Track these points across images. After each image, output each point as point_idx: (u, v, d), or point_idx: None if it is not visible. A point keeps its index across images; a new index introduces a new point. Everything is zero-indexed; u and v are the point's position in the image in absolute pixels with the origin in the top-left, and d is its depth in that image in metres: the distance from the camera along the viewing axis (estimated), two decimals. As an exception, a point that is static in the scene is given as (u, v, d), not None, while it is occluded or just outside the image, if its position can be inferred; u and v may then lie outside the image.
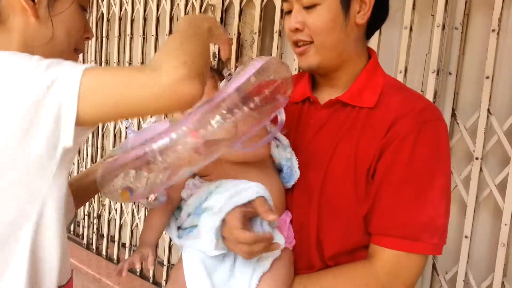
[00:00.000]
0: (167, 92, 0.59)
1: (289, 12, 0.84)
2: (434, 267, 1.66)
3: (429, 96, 1.59)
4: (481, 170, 1.52)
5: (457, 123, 1.58)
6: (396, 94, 0.83)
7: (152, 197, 0.77)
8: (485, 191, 1.52)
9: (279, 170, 0.85)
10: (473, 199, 1.53)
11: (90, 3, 0.80)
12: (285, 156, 0.83)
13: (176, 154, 0.62)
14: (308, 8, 0.80)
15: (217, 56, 2.21)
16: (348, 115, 0.84)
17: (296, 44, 0.83)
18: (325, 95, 0.90)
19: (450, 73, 1.60)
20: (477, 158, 1.52)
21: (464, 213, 1.55)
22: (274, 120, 0.73)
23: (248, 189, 0.73)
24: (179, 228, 0.86)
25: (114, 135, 2.81)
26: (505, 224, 1.47)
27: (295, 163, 0.84)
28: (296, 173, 0.83)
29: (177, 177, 0.65)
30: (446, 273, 1.62)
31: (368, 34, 0.89)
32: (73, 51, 0.79)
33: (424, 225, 0.74)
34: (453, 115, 1.60)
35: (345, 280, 0.77)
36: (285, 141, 0.86)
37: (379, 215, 0.77)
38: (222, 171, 0.79)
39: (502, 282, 1.49)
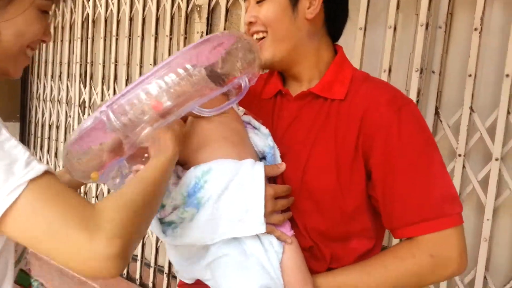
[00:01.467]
0: (90, 262, 0.55)
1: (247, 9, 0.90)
2: (419, 263, 1.68)
3: (413, 94, 1.61)
4: (464, 166, 1.55)
5: (440, 121, 1.61)
6: (362, 85, 0.86)
7: (117, 180, 0.76)
8: (468, 187, 1.55)
9: (262, 158, 0.86)
10: (456, 195, 1.56)
11: (53, 7, 0.76)
12: (268, 143, 0.84)
13: (132, 111, 0.63)
14: (259, 2, 0.86)
15: None
16: (320, 107, 0.87)
17: (252, 36, 0.88)
18: (295, 89, 0.93)
19: (433, 72, 1.63)
20: (460, 155, 1.55)
21: (448, 209, 1.57)
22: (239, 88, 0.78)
23: (244, 166, 0.75)
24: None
25: None
26: (487, 219, 1.50)
27: (278, 153, 0.85)
28: (279, 163, 0.84)
29: (140, 140, 0.67)
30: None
31: (330, 32, 0.93)
32: (24, 54, 0.73)
33: (442, 199, 0.77)
34: (437, 113, 1.63)
35: (394, 262, 0.78)
36: (265, 130, 0.87)
37: (398, 208, 0.78)
38: (200, 155, 0.78)
39: (485, 276, 1.52)
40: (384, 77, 1.67)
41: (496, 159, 1.48)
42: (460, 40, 1.63)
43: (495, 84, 1.52)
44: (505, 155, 1.49)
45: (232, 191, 0.74)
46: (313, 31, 0.89)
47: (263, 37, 0.86)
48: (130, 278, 2.55)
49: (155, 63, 2.46)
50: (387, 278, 0.78)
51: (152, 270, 2.42)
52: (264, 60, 0.86)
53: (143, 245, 2.52)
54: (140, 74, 2.53)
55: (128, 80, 2.63)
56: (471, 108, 1.53)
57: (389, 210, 0.80)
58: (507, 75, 1.45)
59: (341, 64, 0.91)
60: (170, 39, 2.39)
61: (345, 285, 0.79)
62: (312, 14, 0.86)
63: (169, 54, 2.38)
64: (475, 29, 1.50)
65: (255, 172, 0.75)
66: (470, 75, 1.53)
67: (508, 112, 1.46)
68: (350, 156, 0.81)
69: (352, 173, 0.81)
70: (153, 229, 0.80)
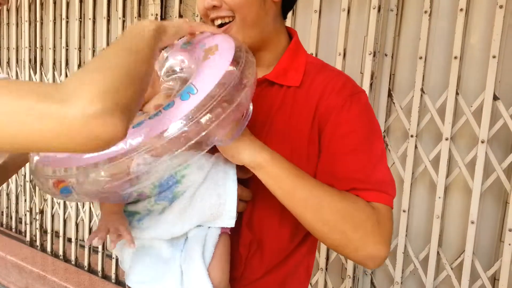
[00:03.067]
0: (73, 131, 0.45)
1: None
2: (376, 242, 1.75)
3: (367, 77, 1.65)
4: (416, 147, 1.61)
5: (393, 103, 1.65)
6: (318, 73, 0.86)
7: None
8: (420, 167, 1.61)
9: None
10: (409, 175, 1.62)
11: None
12: None
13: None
14: None
15: None
16: (276, 94, 0.86)
17: (213, 22, 0.82)
18: None
19: (386, 55, 1.67)
20: (412, 136, 1.61)
21: (402, 189, 1.63)
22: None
23: (218, 161, 0.76)
24: None
25: None
26: (439, 197, 1.57)
27: None
28: None
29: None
30: (388, 246, 1.71)
31: (284, 13, 0.91)
32: None
33: (383, 178, 0.78)
34: (390, 95, 1.67)
35: (342, 197, 0.74)
36: None
37: (342, 175, 0.78)
38: None
39: (438, 252, 1.60)
40: (339, 60, 1.69)
41: (446, 139, 1.54)
42: (412, 23, 1.66)
43: (444, 66, 1.57)
44: (455, 135, 1.55)
45: (206, 185, 0.74)
46: (276, 13, 0.87)
47: (228, 22, 0.81)
48: (91, 270, 2.52)
49: (108, 46, 2.37)
50: (335, 197, 0.74)
51: (114, 261, 2.39)
52: None
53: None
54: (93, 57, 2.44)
55: (80, 65, 2.53)
56: (422, 90, 1.58)
57: (328, 179, 0.78)
58: (455, 57, 1.50)
59: (296, 50, 0.90)
60: (123, 21, 2.31)
61: (285, 174, 0.74)
62: None
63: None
64: (425, 11, 1.54)
65: (227, 168, 0.77)
66: (420, 58, 1.57)
67: (457, 93, 1.52)
68: (304, 141, 0.82)
69: (308, 158, 0.82)
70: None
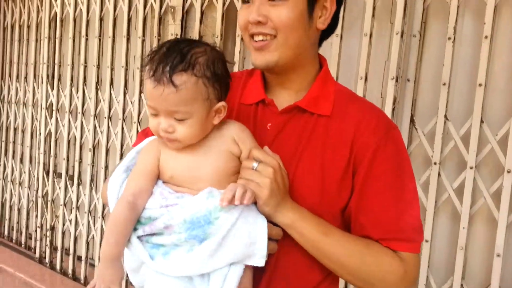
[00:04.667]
0: None
1: (247, 2, 0.82)
2: (395, 271, 1.70)
3: (389, 102, 1.63)
4: (439, 174, 1.57)
5: (416, 129, 1.63)
6: (350, 104, 0.87)
7: None
8: (443, 195, 1.58)
9: None
10: (432, 204, 1.58)
11: None
12: None
13: None
14: (274, 1, 0.79)
15: None
16: (306, 122, 0.86)
17: (252, 37, 0.82)
18: (280, 98, 0.89)
19: (408, 80, 1.65)
20: (435, 163, 1.57)
21: (424, 218, 1.59)
22: None
23: None
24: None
25: (68, 141, 2.71)
26: (463, 228, 1.53)
27: None
28: None
29: None
30: (407, 277, 1.66)
31: (320, 41, 0.92)
32: None
33: (413, 225, 0.82)
34: (412, 121, 1.64)
35: (366, 251, 0.80)
36: None
37: (371, 221, 0.81)
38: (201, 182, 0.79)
39: (461, 285, 1.54)
40: (360, 84, 1.67)
41: (471, 168, 1.51)
42: (434, 49, 1.65)
43: (469, 93, 1.55)
44: (479, 163, 1.52)
45: (238, 225, 0.75)
46: (316, 40, 0.88)
47: (267, 40, 0.81)
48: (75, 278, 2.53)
49: (126, 65, 2.40)
50: (359, 253, 0.80)
51: (124, 282, 2.36)
52: (266, 62, 0.82)
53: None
54: (111, 76, 2.46)
55: (98, 83, 2.56)
56: (445, 116, 1.55)
57: (361, 221, 0.82)
58: (480, 85, 1.48)
59: (326, 78, 0.90)
60: (143, 40, 2.33)
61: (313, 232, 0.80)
62: (324, 25, 0.85)
63: (142, 55, 2.33)
64: (449, 38, 1.52)
65: (257, 210, 0.79)
66: (444, 84, 1.55)
67: (482, 121, 1.49)
68: (338, 175, 0.82)
69: (339, 192, 0.83)
70: (136, 251, 0.77)
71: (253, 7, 0.80)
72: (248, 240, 0.75)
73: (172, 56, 0.74)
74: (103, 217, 2.49)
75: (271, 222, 0.79)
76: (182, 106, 0.75)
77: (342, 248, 0.79)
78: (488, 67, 1.48)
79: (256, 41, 0.81)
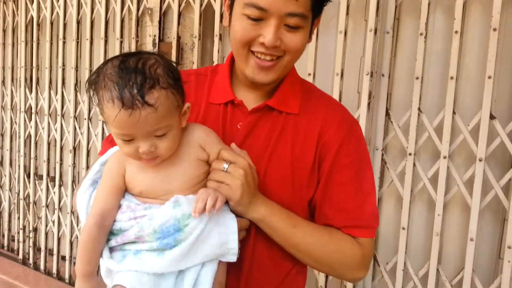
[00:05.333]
0: None
1: (255, 19, 0.74)
2: (375, 259, 1.68)
3: (364, 97, 1.60)
4: (414, 165, 1.56)
5: (391, 122, 1.61)
6: (316, 101, 0.88)
7: None
8: (419, 185, 1.56)
9: None
10: (408, 192, 1.57)
11: None
12: None
13: None
14: (291, 28, 0.75)
15: (157, 49, 2.08)
16: (276, 120, 0.85)
17: (253, 53, 0.77)
18: (249, 97, 0.87)
19: (383, 75, 1.63)
20: (410, 154, 1.56)
21: (401, 206, 1.58)
22: None
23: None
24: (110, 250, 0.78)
25: (48, 143, 2.58)
26: (438, 215, 1.52)
27: None
28: None
29: None
30: (387, 263, 1.65)
31: None
32: None
33: (373, 212, 0.86)
34: (387, 114, 1.62)
35: (330, 239, 0.83)
36: None
37: (335, 211, 0.84)
38: (152, 183, 0.76)
39: (437, 269, 1.54)
40: (336, 80, 1.64)
41: (444, 157, 1.50)
42: (407, 44, 1.63)
43: (441, 86, 1.54)
44: (452, 153, 1.51)
45: (208, 230, 0.74)
46: None
47: (273, 60, 0.77)
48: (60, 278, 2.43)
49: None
50: (323, 242, 0.83)
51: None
52: (268, 81, 0.80)
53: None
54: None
55: (76, 85, 2.44)
56: (419, 109, 1.54)
57: (325, 211, 0.85)
58: (452, 78, 1.47)
59: (293, 77, 0.89)
60: (121, 42, 2.24)
61: (281, 222, 0.81)
62: (311, 40, 0.84)
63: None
64: (421, 33, 1.51)
65: (225, 206, 0.77)
66: (417, 78, 1.53)
67: (454, 112, 1.48)
68: (307, 170, 0.84)
69: (308, 186, 0.84)
70: (106, 260, 0.75)
71: (269, 29, 0.74)
72: (219, 241, 0.74)
73: (131, 76, 0.67)
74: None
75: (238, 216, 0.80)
76: (162, 122, 0.70)
77: (309, 238, 0.80)
78: (459, 61, 1.47)
79: (261, 59, 0.77)
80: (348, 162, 0.84)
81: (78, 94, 2.43)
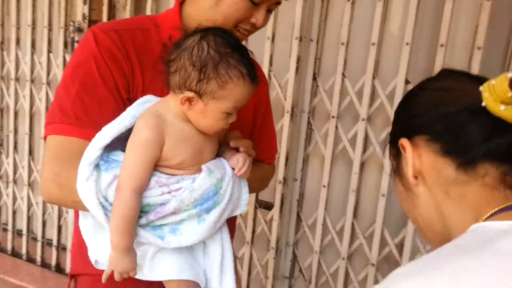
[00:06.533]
0: None
1: (255, 4, 0.78)
2: (298, 215, 1.69)
3: (293, 61, 1.57)
4: (336, 127, 1.56)
5: (318, 86, 1.58)
6: None
7: None
8: (340, 145, 1.57)
9: None
10: (330, 153, 1.57)
11: None
12: None
13: None
14: (269, 11, 0.81)
15: (87, 17, 1.90)
16: None
17: (236, 27, 0.80)
18: None
19: (311, 40, 1.59)
20: (333, 117, 1.55)
21: (323, 166, 1.58)
22: None
23: (226, 163, 0.78)
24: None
25: (15, 112, 2.23)
26: (355, 173, 1.54)
27: None
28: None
29: None
30: (309, 218, 1.66)
31: None
32: None
33: (276, 145, 1.08)
34: (314, 78, 1.60)
35: (261, 171, 0.97)
36: None
37: (261, 149, 0.95)
38: (187, 154, 0.74)
39: (352, 223, 1.57)
40: (267, 44, 1.59)
41: (363, 120, 1.51)
42: (336, 11, 1.60)
43: (365, 52, 1.52)
44: (371, 115, 1.52)
45: (233, 188, 0.76)
46: None
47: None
48: (44, 264, 2.18)
49: (33, 24, 2.07)
50: (261, 177, 0.99)
51: (40, 244, 2.12)
52: None
53: (28, 219, 2.19)
54: (17, 35, 2.11)
55: (2, 43, 2.18)
56: (343, 74, 1.53)
57: (257, 148, 0.90)
58: (373, 44, 1.46)
59: None
60: (51, -3, 2.01)
61: None
62: None
63: (50, 14, 2.02)
64: (348, 0, 1.47)
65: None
66: (342, 44, 1.51)
67: (373, 77, 1.48)
68: (250, 122, 0.96)
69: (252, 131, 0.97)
70: (145, 239, 0.72)
71: (262, 13, 0.79)
72: (238, 195, 0.78)
73: (247, 56, 0.72)
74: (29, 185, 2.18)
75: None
76: None
77: (255, 176, 0.85)
78: (382, 27, 1.46)
79: (243, 34, 0.82)
80: (265, 109, 0.99)
81: (4, 53, 2.19)
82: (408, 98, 0.58)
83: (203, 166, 0.73)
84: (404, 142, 0.54)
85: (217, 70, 0.68)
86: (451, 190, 0.51)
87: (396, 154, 0.58)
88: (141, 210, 0.71)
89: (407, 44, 1.42)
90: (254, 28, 0.81)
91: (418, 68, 1.49)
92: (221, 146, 0.79)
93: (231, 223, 0.87)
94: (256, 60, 0.79)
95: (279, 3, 0.81)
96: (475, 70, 1.35)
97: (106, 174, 0.71)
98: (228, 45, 0.69)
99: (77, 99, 0.74)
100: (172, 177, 0.72)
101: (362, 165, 1.55)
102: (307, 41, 1.59)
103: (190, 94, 0.69)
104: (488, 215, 0.48)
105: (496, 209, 0.48)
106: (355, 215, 1.58)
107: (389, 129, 1.45)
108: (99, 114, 0.74)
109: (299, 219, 1.69)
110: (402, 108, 0.59)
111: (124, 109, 0.74)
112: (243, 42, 0.78)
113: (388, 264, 1.58)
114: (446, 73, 0.58)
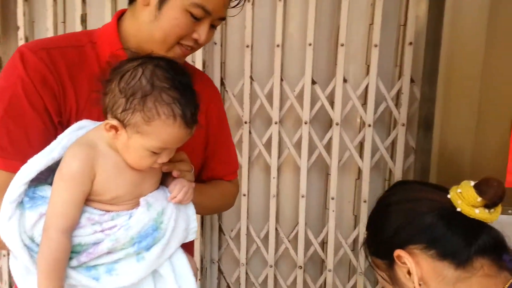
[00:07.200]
0: None
1: (197, 19, 0.73)
2: (220, 228, 1.57)
3: (198, 66, 1.44)
4: (250, 132, 1.48)
5: (226, 91, 1.49)
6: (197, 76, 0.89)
7: None
8: (255, 151, 1.50)
9: None
10: (246, 160, 1.49)
11: None
12: None
13: None
14: (213, 27, 0.77)
15: None
16: None
17: (180, 44, 0.75)
18: None
19: (215, 43, 1.48)
20: (246, 122, 1.47)
21: (240, 174, 1.49)
22: None
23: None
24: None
25: None
26: (274, 178, 1.49)
27: None
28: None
29: None
30: (231, 230, 1.56)
31: None
32: None
33: (236, 159, 0.99)
34: (222, 83, 1.50)
35: (220, 190, 0.92)
36: None
37: (219, 164, 0.92)
38: (122, 187, 0.67)
39: (276, 228, 1.52)
40: (168, 48, 1.43)
41: (276, 123, 1.45)
42: (237, 12, 1.51)
43: (269, 54, 1.47)
44: (282, 118, 1.47)
45: (178, 218, 0.70)
46: None
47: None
48: None
49: None
50: (219, 196, 0.92)
51: None
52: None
53: None
54: None
55: None
56: (251, 77, 1.45)
57: (212, 165, 0.91)
58: (278, 45, 1.41)
59: None
60: None
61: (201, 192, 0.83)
62: None
63: None
64: (248, 0, 1.40)
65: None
66: (247, 46, 1.43)
67: (282, 79, 1.43)
68: (202, 136, 0.87)
69: (202, 149, 0.89)
70: (77, 281, 0.65)
71: (204, 29, 0.75)
72: (185, 225, 0.72)
73: (189, 95, 0.64)
74: None
75: None
76: None
77: (211, 198, 0.86)
78: (284, 28, 1.42)
79: (186, 49, 0.77)
80: (219, 122, 0.91)
81: None
82: (381, 215, 0.64)
83: (141, 200, 0.67)
84: (401, 253, 0.58)
85: (144, 102, 0.61)
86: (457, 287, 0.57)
87: (389, 266, 0.62)
88: (72, 251, 0.65)
89: (309, 44, 1.40)
90: (197, 44, 0.76)
91: (321, 68, 1.49)
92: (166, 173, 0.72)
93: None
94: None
95: (223, 18, 0.77)
96: (373, 66, 1.39)
97: (31, 213, 0.64)
98: (167, 80, 0.62)
99: (1, 127, 0.68)
100: (106, 214, 0.66)
101: (279, 169, 1.50)
102: (211, 44, 1.48)
103: (114, 122, 0.62)
104: None
105: None
106: (277, 220, 1.52)
107: (300, 130, 1.43)
108: (26, 143, 0.68)
109: (221, 232, 1.58)
110: (380, 225, 0.63)
111: (55, 135, 0.67)
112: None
113: (314, 264, 1.56)
114: (399, 185, 0.68)
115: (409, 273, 0.59)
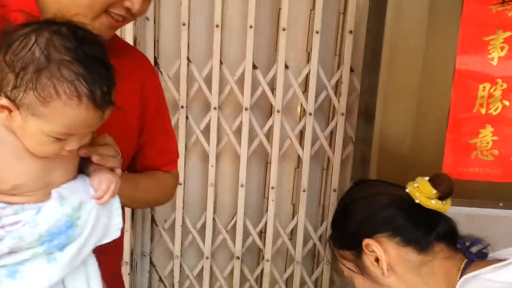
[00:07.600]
0: None
1: None
2: (152, 219, 1.46)
3: (129, 42, 1.28)
4: (187, 117, 1.37)
5: (161, 72, 1.35)
6: (131, 52, 0.83)
7: None
8: (192, 137, 1.40)
9: None
10: (182, 147, 1.38)
11: None
12: None
13: None
14: None
15: None
16: None
17: (107, 12, 0.64)
18: None
19: (147, 19, 1.33)
20: (182, 107, 1.36)
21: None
22: None
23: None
24: None
25: None
26: (212, 166, 1.40)
27: None
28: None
29: None
30: (165, 221, 1.45)
31: None
32: None
33: (176, 148, 0.88)
34: (156, 63, 1.36)
35: (156, 182, 0.83)
36: None
37: (155, 153, 0.82)
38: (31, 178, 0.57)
39: (213, 218, 1.44)
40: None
41: (215, 108, 1.36)
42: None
43: (208, 34, 1.36)
44: (222, 103, 1.38)
45: (99, 213, 0.62)
46: None
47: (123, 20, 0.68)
48: None
49: None
50: (155, 189, 0.83)
51: None
52: (107, 36, 0.66)
53: None
54: None
55: None
56: (188, 58, 1.34)
57: (147, 154, 0.82)
58: (217, 26, 1.31)
59: None
60: None
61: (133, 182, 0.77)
62: None
63: None
64: (185, -25, 1.27)
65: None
66: (184, 24, 1.31)
67: (221, 62, 1.34)
68: (135, 121, 0.79)
69: (136, 135, 0.80)
70: None
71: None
72: (107, 221, 0.64)
73: (99, 69, 0.52)
74: None
75: None
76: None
77: (146, 191, 0.80)
78: (224, 8, 1.31)
79: (116, 20, 0.66)
80: (156, 106, 0.81)
81: None
82: (347, 210, 0.69)
83: (53, 192, 0.58)
84: (369, 241, 0.63)
85: (37, 78, 0.50)
86: (422, 270, 0.63)
87: (357, 255, 0.66)
88: None
89: (251, 27, 1.31)
90: (130, 14, 0.65)
91: (262, 52, 1.41)
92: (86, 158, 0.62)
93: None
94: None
95: None
96: (314, 54, 1.34)
97: None
98: (68, 50, 0.50)
99: None
100: (8, 207, 0.57)
101: (217, 157, 1.42)
102: (143, 20, 1.33)
103: (4, 101, 0.51)
104: (458, 276, 0.61)
105: (460, 270, 0.61)
106: (215, 210, 1.44)
107: (241, 116, 1.36)
108: None
109: (154, 223, 1.46)
110: (347, 218, 0.68)
111: None
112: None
113: (251, 255, 1.52)
114: (361, 183, 0.74)
115: (376, 260, 0.64)
